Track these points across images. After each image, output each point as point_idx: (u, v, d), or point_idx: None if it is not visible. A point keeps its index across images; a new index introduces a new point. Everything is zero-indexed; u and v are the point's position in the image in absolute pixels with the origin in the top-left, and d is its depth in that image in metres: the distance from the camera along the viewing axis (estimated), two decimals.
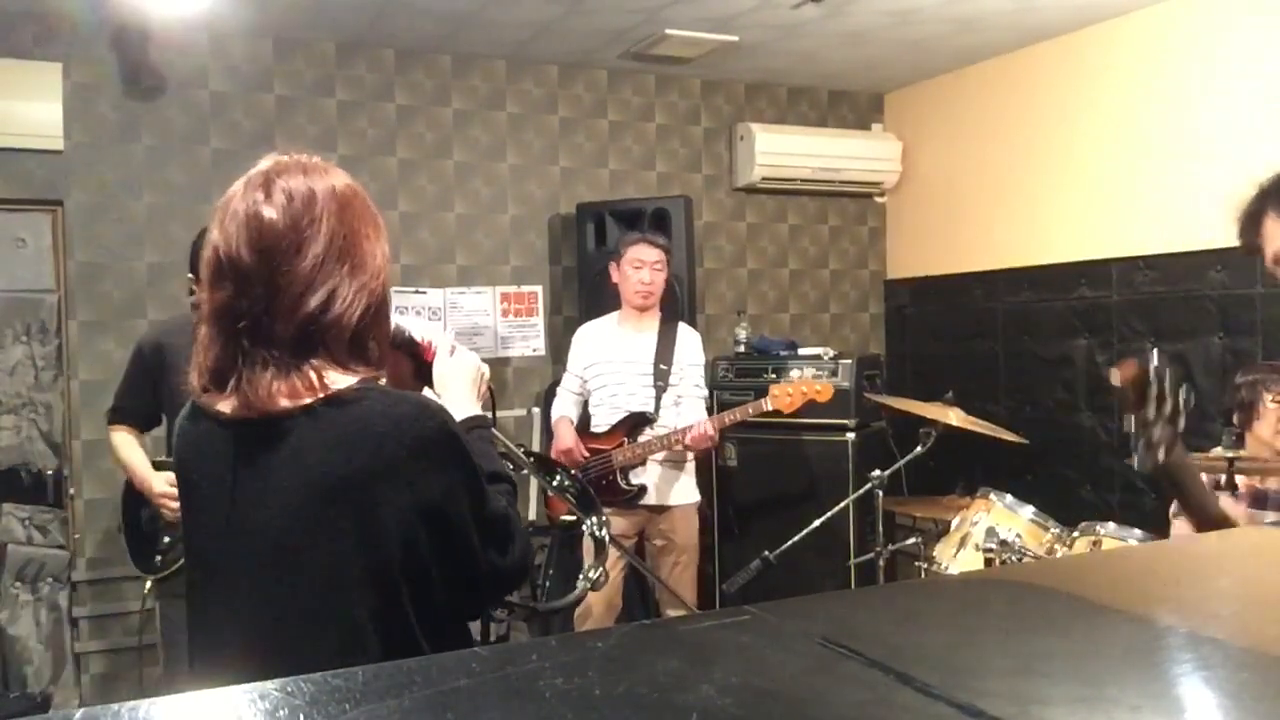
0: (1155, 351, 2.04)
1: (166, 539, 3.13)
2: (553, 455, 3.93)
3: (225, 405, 1.36)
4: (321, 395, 1.32)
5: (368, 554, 1.31)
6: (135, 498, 3.21)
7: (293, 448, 1.32)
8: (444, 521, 1.34)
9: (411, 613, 1.33)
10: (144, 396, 3.17)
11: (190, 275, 3.05)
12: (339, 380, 1.34)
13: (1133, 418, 1.93)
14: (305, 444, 1.31)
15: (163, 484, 3.05)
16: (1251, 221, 2.19)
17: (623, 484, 3.87)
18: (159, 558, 3.16)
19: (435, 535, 1.34)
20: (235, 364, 1.33)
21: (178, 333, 3.04)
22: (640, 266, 3.92)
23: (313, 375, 1.32)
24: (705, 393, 4.09)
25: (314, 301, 1.32)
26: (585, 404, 4.09)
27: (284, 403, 1.32)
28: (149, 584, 3.25)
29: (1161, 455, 1.81)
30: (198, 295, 1.40)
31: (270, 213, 1.34)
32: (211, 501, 1.40)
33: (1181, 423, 1.83)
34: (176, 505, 3.06)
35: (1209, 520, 1.95)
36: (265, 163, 1.41)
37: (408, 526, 1.31)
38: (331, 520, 1.30)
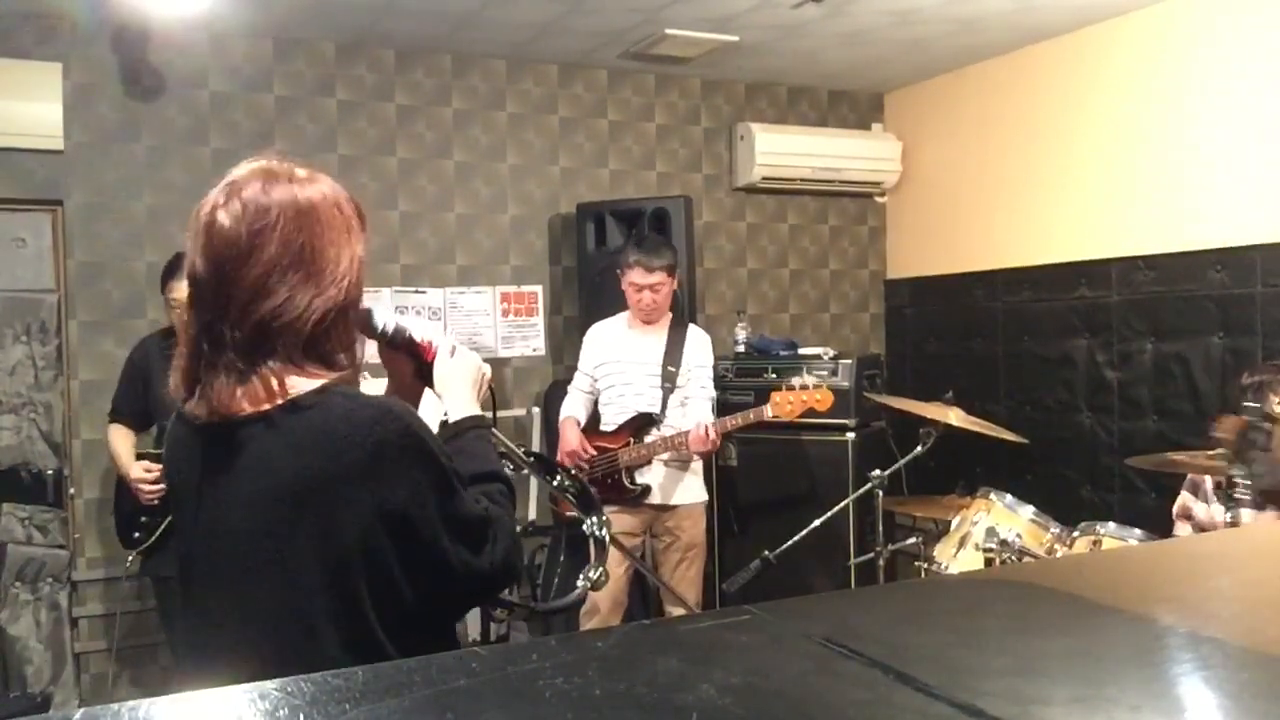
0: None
1: (144, 518, 3.53)
2: (558, 456, 3.94)
3: (200, 411, 1.38)
4: (281, 401, 1.32)
5: (325, 557, 1.31)
6: (123, 483, 3.59)
7: (254, 453, 1.33)
8: (407, 524, 1.33)
9: (373, 614, 1.33)
10: (135, 400, 3.61)
11: (163, 295, 3.54)
12: (301, 385, 1.34)
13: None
14: (265, 450, 1.32)
15: (139, 470, 3.47)
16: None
17: (628, 483, 3.89)
18: (136, 534, 3.56)
19: (398, 538, 1.33)
20: (199, 370, 1.37)
21: (153, 347, 3.60)
22: (640, 290, 3.91)
23: (273, 380, 1.32)
24: (713, 394, 4.08)
25: (266, 307, 1.33)
26: (596, 403, 4.10)
27: (246, 408, 1.33)
28: (131, 557, 3.66)
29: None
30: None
31: (224, 220, 1.36)
32: (188, 505, 1.43)
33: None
34: (150, 489, 3.40)
35: None
36: (239, 170, 1.43)
37: (368, 530, 1.31)
38: (290, 524, 1.31)
